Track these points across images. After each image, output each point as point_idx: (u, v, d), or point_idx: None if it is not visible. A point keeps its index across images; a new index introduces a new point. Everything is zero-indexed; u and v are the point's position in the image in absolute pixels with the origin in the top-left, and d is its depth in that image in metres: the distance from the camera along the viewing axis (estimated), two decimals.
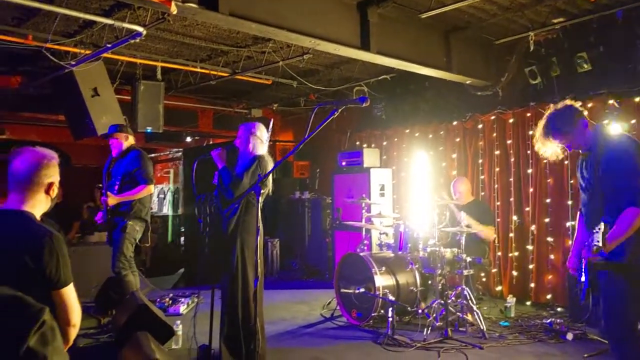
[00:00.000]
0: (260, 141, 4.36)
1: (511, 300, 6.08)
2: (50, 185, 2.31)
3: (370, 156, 7.95)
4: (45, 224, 2.25)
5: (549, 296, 6.40)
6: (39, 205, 2.28)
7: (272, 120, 4.87)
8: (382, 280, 5.51)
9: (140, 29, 4.98)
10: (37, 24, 5.46)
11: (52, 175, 2.32)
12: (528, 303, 6.53)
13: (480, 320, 5.18)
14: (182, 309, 6.26)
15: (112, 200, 5.18)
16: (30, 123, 8.59)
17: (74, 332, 2.24)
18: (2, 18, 5.29)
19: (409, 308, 5.55)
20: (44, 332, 0.96)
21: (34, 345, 0.94)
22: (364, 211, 6.70)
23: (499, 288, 6.96)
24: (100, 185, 5.51)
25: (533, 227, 6.61)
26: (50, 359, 0.96)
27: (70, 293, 2.19)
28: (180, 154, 11.94)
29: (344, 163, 8.24)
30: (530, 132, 6.55)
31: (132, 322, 4.15)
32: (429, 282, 5.71)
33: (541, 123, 3.23)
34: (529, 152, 6.66)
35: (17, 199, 2.25)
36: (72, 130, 6.80)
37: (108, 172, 5.41)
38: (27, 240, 2.14)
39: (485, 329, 5.12)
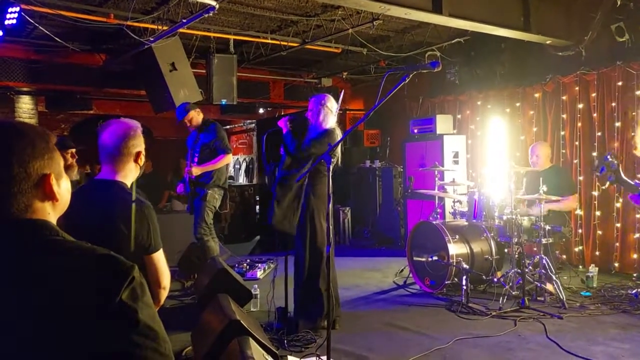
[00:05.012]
0: (331, 112, 4.47)
1: (593, 270, 5.81)
2: (139, 154, 2.40)
3: (443, 123, 7.78)
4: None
5: (635, 266, 6.09)
6: (129, 174, 2.40)
7: (342, 91, 4.89)
8: (455, 249, 5.45)
9: (213, 2, 5.08)
10: (117, 2, 5.71)
11: (139, 144, 2.41)
12: (612, 273, 6.24)
13: (560, 290, 5.02)
14: (259, 273, 6.52)
15: (195, 170, 5.48)
16: (115, 98, 9.03)
17: (164, 294, 2.38)
18: None
19: (483, 276, 5.47)
20: (134, 287, 1.07)
21: (125, 299, 1.04)
22: (436, 179, 6.60)
23: (580, 257, 6.69)
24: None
25: (618, 194, 6.27)
26: (140, 312, 1.06)
27: (160, 258, 2.32)
28: (253, 125, 12.22)
29: (415, 130, 8.11)
30: (617, 94, 6.17)
31: (213, 285, 4.38)
32: (505, 250, 5.59)
33: None
34: (615, 114, 6.28)
35: (110, 170, 2.37)
36: (153, 104, 7.10)
37: (192, 146, 5.71)
38: (120, 209, 2.26)
39: (564, 299, 4.96)
